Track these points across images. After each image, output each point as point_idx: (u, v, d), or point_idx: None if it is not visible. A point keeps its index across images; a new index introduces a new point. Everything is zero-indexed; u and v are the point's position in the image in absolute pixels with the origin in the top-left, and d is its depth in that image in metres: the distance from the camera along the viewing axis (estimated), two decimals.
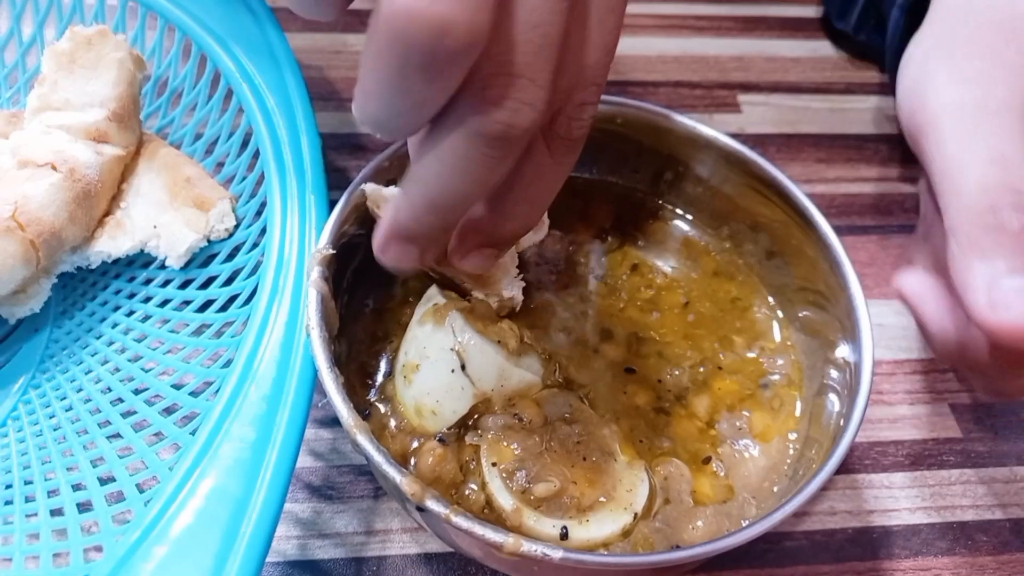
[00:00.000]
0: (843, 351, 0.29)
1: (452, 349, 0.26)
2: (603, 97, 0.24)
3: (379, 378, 0.29)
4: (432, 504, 0.23)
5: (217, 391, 0.26)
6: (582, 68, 0.22)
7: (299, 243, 0.30)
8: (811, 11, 0.52)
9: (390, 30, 0.17)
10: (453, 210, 0.21)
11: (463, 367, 0.26)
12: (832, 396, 0.29)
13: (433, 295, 0.28)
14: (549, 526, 0.24)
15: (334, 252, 0.28)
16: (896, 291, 0.29)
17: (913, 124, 0.29)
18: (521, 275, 0.29)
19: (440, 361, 0.26)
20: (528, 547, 0.22)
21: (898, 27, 0.42)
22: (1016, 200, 0.25)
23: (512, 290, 0.29)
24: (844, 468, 0.34)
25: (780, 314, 0.32)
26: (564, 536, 0.24)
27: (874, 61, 0.49)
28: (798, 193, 0.31)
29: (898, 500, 0.33)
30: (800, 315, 0.32)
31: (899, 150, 0.45)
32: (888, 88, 0.48)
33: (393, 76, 0.18)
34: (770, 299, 0.33)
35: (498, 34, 0.19)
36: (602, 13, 0.22)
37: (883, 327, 0.37)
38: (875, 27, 0.48)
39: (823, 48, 0.50)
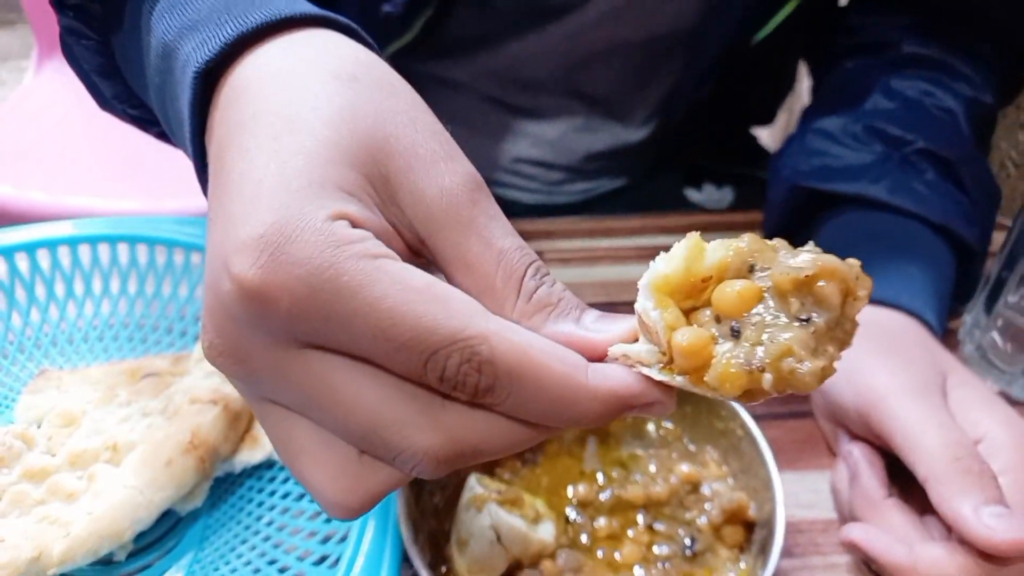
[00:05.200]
0: (761, 513, 0.41)
1: (490, 527, 0.39)
2: None
3: (444, 544, 0.41)
4: None
5: (337, 560, 0.39)
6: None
7: None
8: None
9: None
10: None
11: (498, 539, 0.39)
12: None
13: (473, 485, 0.41)
14: None
15: None
16: (845, 541, 0.42)
17: (862, 402, 0.43)
18: None
19: (482, 537, 0.39)
20: None
21: None
22: (969, 451, 0.38)
23: None
24: None
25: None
26: None
27: None
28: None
29: None
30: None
31: None
32: None
33: None
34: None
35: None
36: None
37: (819, 492, 0.49)
38: None
39: None
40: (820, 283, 0.22)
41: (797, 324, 0.22)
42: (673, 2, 0.65)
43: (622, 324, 0.25)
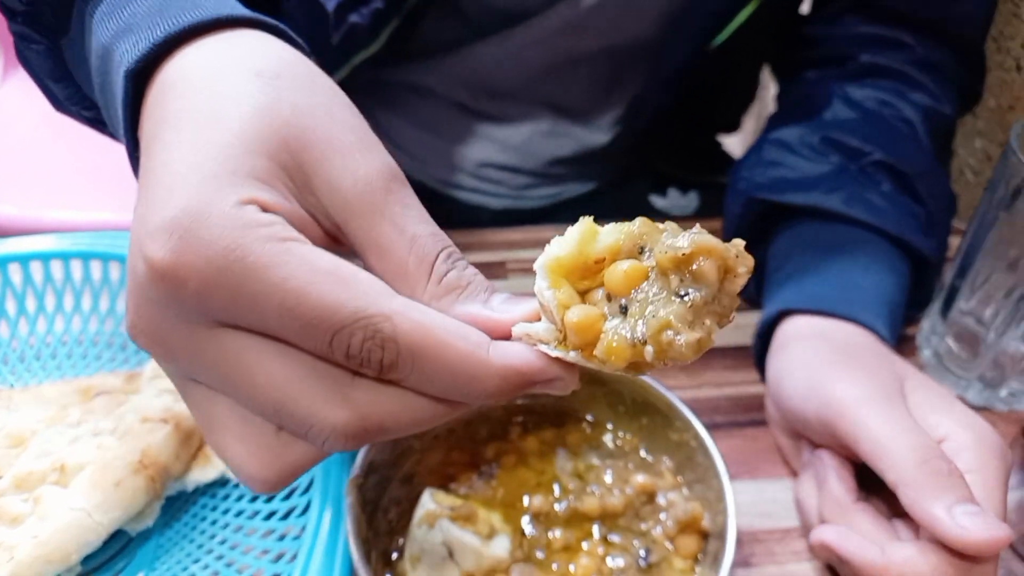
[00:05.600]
0: (715, 524, 0.41)
1: (442, 543, 0.38)
2: None
3: (395, 556, 0.41)
4: None
5: None
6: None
7: (338, 466, 0.43)
8: None
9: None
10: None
11: (451, 555, 0.38)
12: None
13: (426, 502, 0.41)
14: None
15: (364, 477, 0.41)
16: (816, 543, 0.42)
17: (825, 413, 0.43)
18: None
19: (435, 553, 0.38)
20: None
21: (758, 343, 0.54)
22: (936, 452, 0.38)
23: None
24: None
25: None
26: None
27: None
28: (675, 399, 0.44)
29: None
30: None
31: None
32: None
33: None
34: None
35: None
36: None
37: (777, 502, 0.49)
38: None
39: None
40: (698, 260, 0.23)
41: (676, 300, 0.23)
42: (634, 12, 0.65)
43: (526, 305, 0.26)
